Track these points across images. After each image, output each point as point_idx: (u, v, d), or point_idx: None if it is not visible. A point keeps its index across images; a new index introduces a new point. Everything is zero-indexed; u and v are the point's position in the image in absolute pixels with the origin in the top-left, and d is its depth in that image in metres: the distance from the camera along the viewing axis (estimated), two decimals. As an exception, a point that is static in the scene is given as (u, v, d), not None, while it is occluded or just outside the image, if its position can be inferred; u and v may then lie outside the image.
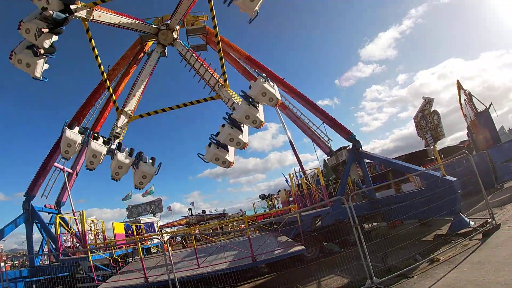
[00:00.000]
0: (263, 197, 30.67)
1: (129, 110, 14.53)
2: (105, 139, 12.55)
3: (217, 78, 14.82)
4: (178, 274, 8.74)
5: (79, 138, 11.70)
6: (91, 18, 12.54)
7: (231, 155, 12.75)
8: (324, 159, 19.00)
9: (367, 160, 16.41)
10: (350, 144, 16.49)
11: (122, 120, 14.14)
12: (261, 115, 12.01)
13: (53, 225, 16.28)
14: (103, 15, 13.16)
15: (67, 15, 11.03)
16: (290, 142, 18.14)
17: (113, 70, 18.04)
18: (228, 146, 12.58)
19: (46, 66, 11.74)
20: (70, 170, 18.26)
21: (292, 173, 16.50)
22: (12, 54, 11.16)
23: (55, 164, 17.07)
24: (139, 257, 14.36)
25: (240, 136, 12.20)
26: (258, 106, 12.02)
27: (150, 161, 12.54)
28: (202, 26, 19.69)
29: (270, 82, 12.09)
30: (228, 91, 14.33)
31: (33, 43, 10.89)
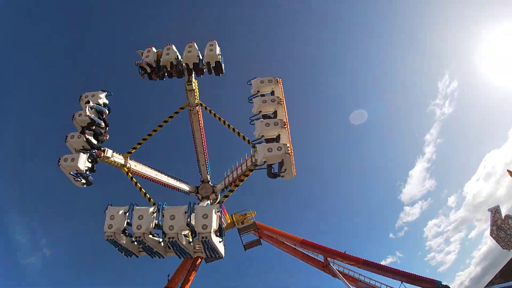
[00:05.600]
0: None
1: None
2: None
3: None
4: None
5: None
6: (128, 165, 15.06)
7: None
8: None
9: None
10: (440, 293, 14.13)
11: None
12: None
13: None
14: (138, 166, 15.68)
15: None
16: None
17: (173, 279, 18.04)
18: None
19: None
20: None
21: None
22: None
23: None
24: None
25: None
26: None
27: None
28: (252, 223, 20.60)
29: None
30: None
31: None
